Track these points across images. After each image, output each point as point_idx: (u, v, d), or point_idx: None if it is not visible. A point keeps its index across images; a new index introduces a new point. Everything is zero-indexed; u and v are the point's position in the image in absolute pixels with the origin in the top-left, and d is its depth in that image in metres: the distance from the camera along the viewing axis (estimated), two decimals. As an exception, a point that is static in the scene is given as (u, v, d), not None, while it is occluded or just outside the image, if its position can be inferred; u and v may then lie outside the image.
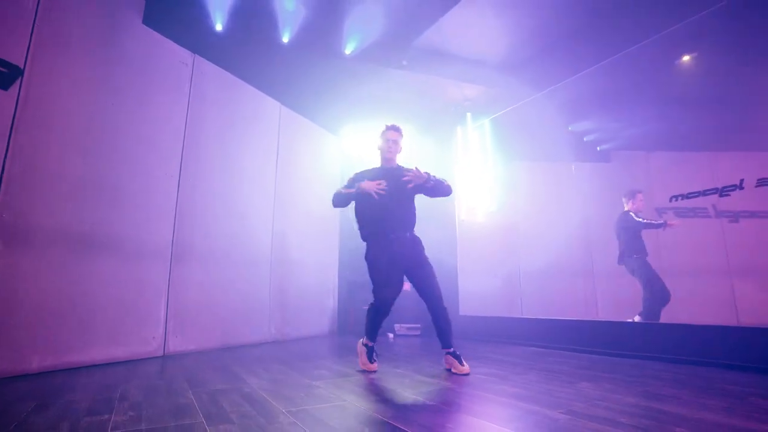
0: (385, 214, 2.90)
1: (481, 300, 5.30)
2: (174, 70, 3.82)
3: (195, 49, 3.98)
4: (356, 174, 3.12)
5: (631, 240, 4.69)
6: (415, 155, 6.21)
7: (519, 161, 6.14)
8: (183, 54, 3.91)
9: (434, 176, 2.95)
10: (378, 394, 2.16)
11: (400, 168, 3.06)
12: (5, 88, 2.68)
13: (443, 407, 1.84)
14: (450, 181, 3.07)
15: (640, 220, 4.67)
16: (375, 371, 2.79)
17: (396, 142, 3.07)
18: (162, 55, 3.72)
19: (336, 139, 6.06)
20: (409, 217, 2.99)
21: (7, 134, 2.66)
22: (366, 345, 2.91)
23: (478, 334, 4.92)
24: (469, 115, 5.34)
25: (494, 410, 1.82)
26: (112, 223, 3.19)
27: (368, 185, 2.91)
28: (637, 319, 4.50)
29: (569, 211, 6.24)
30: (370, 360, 2.85)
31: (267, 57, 4.28)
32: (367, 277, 5.83)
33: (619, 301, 5.65)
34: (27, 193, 2.72)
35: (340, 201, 3.11)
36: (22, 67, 2.76)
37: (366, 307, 5.07)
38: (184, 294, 3.67)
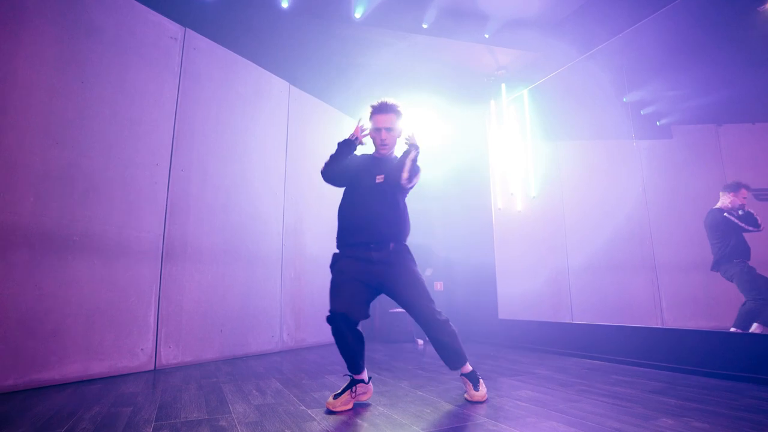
0: (367, 216, 2.12)
1: (523, 302, 4.61)
2: (161, 45, 3.37)
3: (185, 21, 3.53)
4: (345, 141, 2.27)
5: (728, 242, 3.73)
6: (442, 135, 5.57)
7: (563, 140, 5.34)
8: (171, 27, 3.46)
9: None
10: (388, 429, 1.60)
11: (393, 158, 2.28)
12: (-52, 64, 2.30)
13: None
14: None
15: (735, 221, 3.70)
16: (346, 410, 1.98)
17: (391, 130, 2.20)
18: (145, 27, 3.28)
19: (354, 122, 5.49)
20: (396, 223, 2.16)
21: (-48, 118, 2.28)
22: (349, 376, 2.13)
23: (520, 342, 4.25)
24: (503, 86, 4.60)
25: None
26: (89, 220, 2.79)
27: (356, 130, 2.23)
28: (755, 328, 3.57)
29: (624, 197, 5.40)
30: (336, 395, 2.02)
31: (268, 28, 3.77)
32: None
33: (686, 303, 4.82)
34: (-21, 187, 2.34)
35: (327, 171, 2.24)
36: (-31, 41, 2.38)
37: (392, 310, 4.39)
38: (178, 298, 3.24)
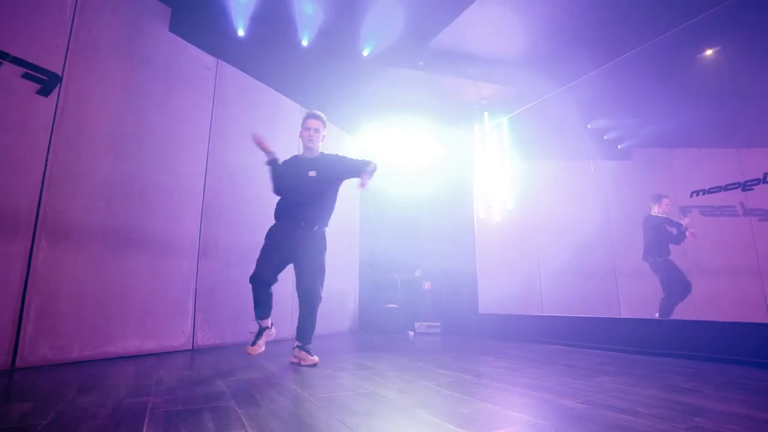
0: (299, 203, 2.91)
1: (501, 299, 5.32)
2: (198, 74, 3.97)
3: (218, 53, 4.13)
4: (282, 162, 3.09)
5: (655, 240, 4.77)
6: (432, 154, 6.28)
7: (537, 160, 6.12)
8: (207, 59, 4.05)
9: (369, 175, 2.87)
10: (399, 383, 2.22)
11: (324, 156, 3.05)
12: (46, 95, 2.85)
13: (464, 396, 1.89)
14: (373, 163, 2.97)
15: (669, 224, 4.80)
16: (256, 354, 2.85)
17: (318, 131, 3.01)
18: (187, 60, 3.88)
19: (352, 138, 6.16)
20: (320, 211, 2.97)
21: (48, 138, 2.83)
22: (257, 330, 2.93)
23: (497, 332, 4.93)
24: (486, 114, 5.36)
25: (512, 399, 1.86)
26: (142, 221, 3.35)
27: (258, 139, 2.97)
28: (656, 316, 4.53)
29: (590, 210, 6.19)
30: (252, 342, 2.87)
31: (287, 60, 4.40)
32: (388, 276, 5.91)
33: (641, 301, 5.59)
34: (65, 192, 2.89)
35: (276, 188, 3.06)
36: (60, 75, 2.94)
37: (389, 305, 5.10)
38: (211, 289, 3.81)
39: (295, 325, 2.97)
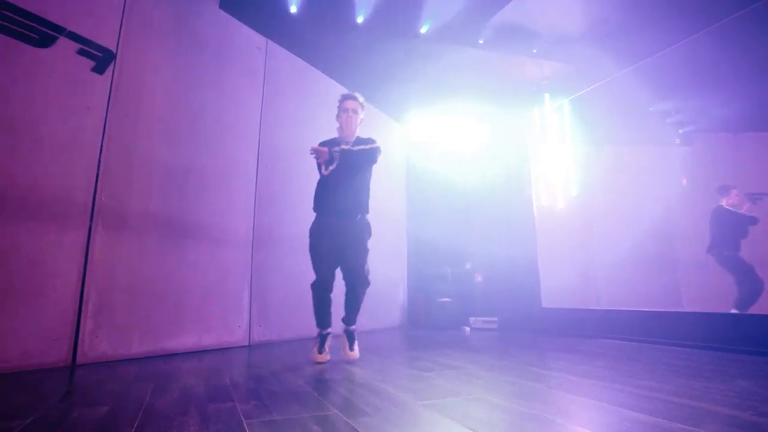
0: (339, 190, 2.68)
1: (564, 292, 4.96)
2: (249, 54, 3.75)
3: (267, 33, 3.90)
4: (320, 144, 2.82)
5: (724, 233, 4.46)
6: (486, 139, 5.94)
7: (600, 145, 5.72)
8: (257, 39, 3.83)
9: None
10: (504, 386, 1.93)
11: (359, 140, 2.81)
12: (101, 72, 2.67)
13: (602, 403, 1.59)
14: (379, 164, 2.87)
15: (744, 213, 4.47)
16: (325, 361, 2.59)
17: (356, 112, 2.80)
18: (237, 39, 3.66)
19: (400, 127, 5.87)
20: (355, 198, 2.73)
21: (103, 118, 2.65)
22: (320, 334, 2.69)
23: (563, 328, 4.58)
24: (547, 95, 4.98)
25: (658, 407, 1.54)
26: (198, 209, 3.15)
27: (317, 150, 2.64)
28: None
29: (650, 199, 5.76)
30: (319, 350, 2.61)
31: (339, 40, 4.14)
32: (438, 269, 5.62)
33: (704, 293, 5.18)
34: (121, 177, 2.71)
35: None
36: (114, 52, 2.75)
37: (443, 299, 4.82)
38: (266, 282, 3.60)
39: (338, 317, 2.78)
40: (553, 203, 5.02)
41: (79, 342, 2.39)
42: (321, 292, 2.68)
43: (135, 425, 1.27)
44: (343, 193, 2.70)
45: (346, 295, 2.79)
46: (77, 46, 2.57)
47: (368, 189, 2.86)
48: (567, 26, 4.15)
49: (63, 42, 2.51)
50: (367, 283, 2.78)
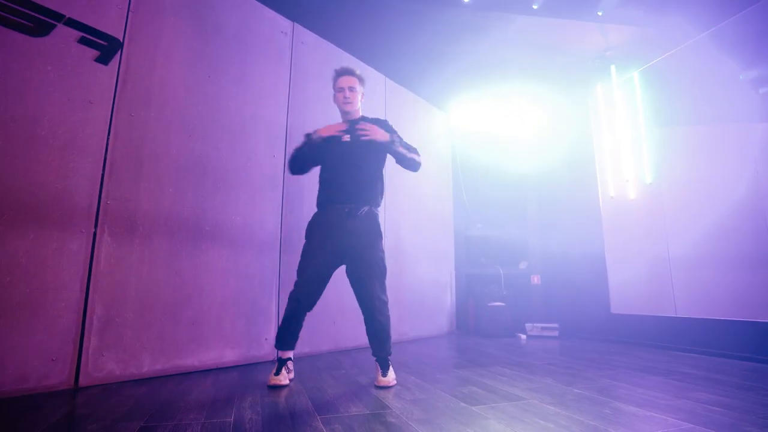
0: (345, 177, 2.33)
1: (633, 296, 4.26)
2: (274, 40, 3.42)
3: (294, 16, 3.56)
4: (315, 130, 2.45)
5: None
6: (540, 124, 5.31)
7: (679, 125, 4.91)
8: (282, 22, 3.50)
9: (399, 148, 2.36)
10: (581, 440, 1.44)
11: (363, 119, 2.48)
12: (105, 62, 2.42)
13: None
14: (423, 156, 2.52)
15: None
16: (284, 385, 2.17)
17: (353, 89, 2.45)
18: (260, 23, 3.35)
19: (444, 115, 5.37)
20: (369, 184, 2.35)
21: (109, 112, 2.40)
22: (278, 358, 2.28)
23: (634, 337, 3.91)
24: (613, 67, 4.28)
25: None
26: (217, 210, 2.86)
27: (327, 129, 2.36)
28: None
29: (739, 186, 4.87)
30: (276, 372, 2.20)
31: (373, 17, 3.72)
32: (489, 269, 5.08)
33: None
34: (129, 177, 2.45)
35: (293, 162, 2.49)
36: (121, 40, 2.50)
37: (495, 303, 4.28)
38: (295, 289, 3.26)
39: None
40: (623, 193, 4.32)
41: (82, 361, 2.14)
42: (296, 306, 2.26)
43: None
44: (348, 184, 2.34)
45: (365, 322, 2.34)
46: (78, 34, 2.33)
47: (381, 178, 2.48)
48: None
49: (62, 30, 2.28)
50: (382, 304, 2.31)
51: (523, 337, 4.47)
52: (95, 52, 2.39)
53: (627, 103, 4.31)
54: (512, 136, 5.36)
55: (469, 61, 4.39)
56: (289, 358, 2.32)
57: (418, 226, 4.61)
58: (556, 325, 4.54)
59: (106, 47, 2.43)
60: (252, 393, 2.05)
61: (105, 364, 2.22)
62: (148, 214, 2.51)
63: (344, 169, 2.35)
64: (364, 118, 2.52)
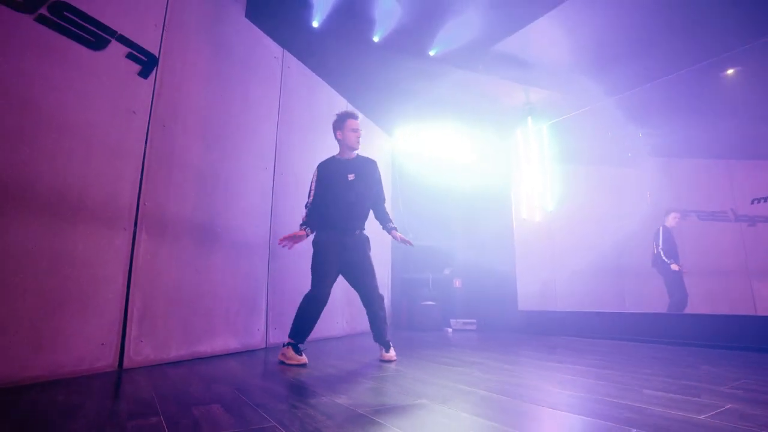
0: (349, 208, 2.84)
1: (538, 296, 5.46)
2: (268, 63, 3.83)
3: (284, 43, 4.00)
4: (319, 167, 2.97)
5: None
6: (471, 153, 6.35)
7: (577, 164, 6.32)
8: (274, 48, 3.92)
9: (391, 220, 3.06)
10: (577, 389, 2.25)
11: (360, 158, 3.00)
12: (145, 76, 2.67)
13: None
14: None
15: (660, 252, 5.16)
16: (305, 363, 2.66)
17: (360, 132, 2.98)
18: (260, 48, 3.74)
19: (388, 137, 6.13)
20: (361, 215, 2.93)
21: (147, 122, 2.66)
22: (295, 345, 2.73)
23: (537, 329, 5.07)
24: (530, 118, 5.49)
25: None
26: (224, 215, 3.20)
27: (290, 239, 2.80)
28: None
29: (612, 214, 6.48)
30: (298, 353, 2.70)
31: (348, 54, 4.32)
32: (419, 274, 5.93)
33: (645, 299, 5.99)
34: (162, 183, 2.72)
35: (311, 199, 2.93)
36: (157, 57, 2.76)
37: (426, 302, 5.08)
38: (281, 287, 3.69)
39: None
40: (532, 216, 5.53)
41: (126, 347, 2.39)
42: (315, 307, 2.73)
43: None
44: (353, 212, 2.88)
45: (369, 316, 2.91)
46: (126, 50, 2.56)
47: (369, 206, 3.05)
48: (557, 58, 4.64)
49: (114, 45, 2.50)
50: (382, 298, 2.94)
51: (450, 330, 5.39)
52: (138, 67, 2.63)
53: (539, 146, 5.54)
54: (445, 162, 6.33)
55: (420, 98, 5.22)
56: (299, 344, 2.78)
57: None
58: (474, 321, 5.55)
59: (146, 62, 2.68)
60: (254, 368, 2.52)
61: (143, 350, 2.48)
62: (175, 216, 2.79)
63: (349, 203, 2.85)
64: (359, 157, 3.01)
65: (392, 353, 2.87)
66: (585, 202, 6.22)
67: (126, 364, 2.38)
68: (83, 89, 2.33)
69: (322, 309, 2.77)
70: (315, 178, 2.93)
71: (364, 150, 3.14)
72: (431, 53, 4.26)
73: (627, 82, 4.75)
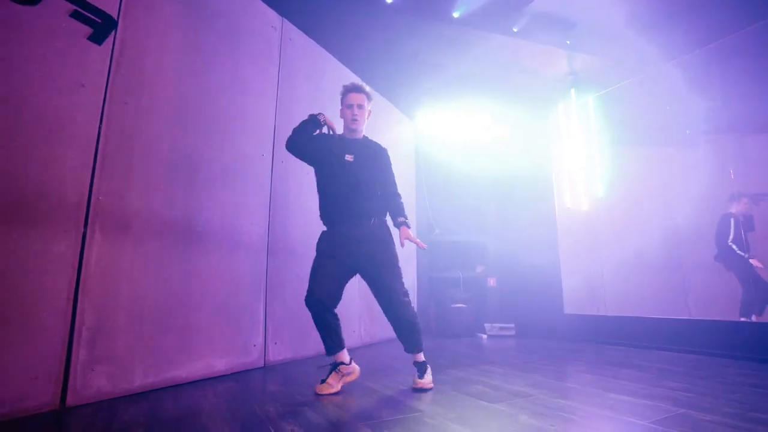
0: (349, 195, 2.31)
1: (583, 298, 4.70)
2: (263, 34, 3.29)
3: (283, 11, 3.45)
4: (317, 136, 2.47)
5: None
6: (504, 135, 5.63)
7: (628, 145, 5.50)
8: (272, 16, 3.37)
9: (404, 215, 2.43)
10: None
11: (366, 141, 2.48)
12: (99, 42, 2.17)
13: None
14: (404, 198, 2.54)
15: (731, 242, 4.30)
16: (336, 393, 2.17)
17: (362, 107, 2.40)
18: (252, 16, 3.20)
19: (410, 121, 5.49)
20: (373, 200, 2.36)
21: (102, 99, 2.16)
22: (332, 362, 2.27)
23: (586, 336, 4.33)
24: (573, 91, 4.71)
25: None
26: (207, 210, 2.68)
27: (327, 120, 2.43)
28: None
29: (680, 202, 5.61)
30: (322, 380, 2.22)
31: (360, 21, 3.72)
32: (449, 273, 5.28)
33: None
34: (121, 171, 2.22)
35: (292, 135, 2.44)
36: (116, 19, 2.26)
37: (457, 305, 4.45)
38: (282, 294, 3.16)
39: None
40: (577, 204, 4.76)
41: (70, 379, 1.90)
42: (317, 309, 2.25)
43: None
44: (354, 198, 2.33)
45: (390, 320, 2.36)
46: (70, 7, 2.07)
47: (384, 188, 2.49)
48: (603, 16, 3.88)
49: (52, 1, 2.01)
50: (406, 304, 2.31)
51: (484, 336, 4.73)
52: (88, 30, 2.13)
53: (584, 123, 4.76)
54: (475, 145, 5.63)
55: (445, 73, 4.56)
56: (341, 362, 2.25)
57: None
58: (512, 325, 4.85)
59: (99, 25, 2.18)
60: (242, 400, 1.97)
61: (94, 380, 1.99)
62: (140, 212, 2.29)
63: (349, 188, 2.32)
64: (366, 139, 2.48)
65: (427, 379, 2.28)
66: (644, 186, 5.36)
67: (70, 400, 1.89)
68: (8, 54, 1.84)
69: (328, 309, 2.25)
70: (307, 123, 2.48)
71: (381, 137, 2.59)
72: (455, 15, 3.58)
73: (682, 43, 3.93)
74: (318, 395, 2.13)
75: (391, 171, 2.49)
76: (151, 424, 1.66)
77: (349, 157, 2.35)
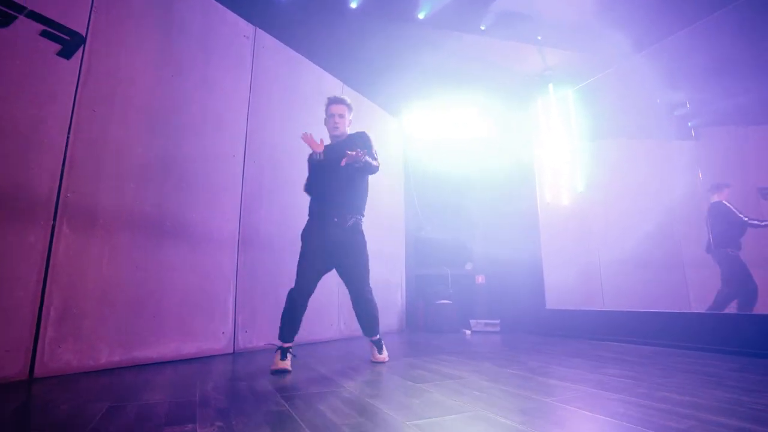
0: (326, 194, 2.64)
1: (566, 292, 4.70)
2: (236, 43, 3.53)
3: (256, 21, 3.68)
4: (309, 155, 2.76)
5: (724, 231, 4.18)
6: (486, 132, 5.71)
7: (607, 138, 5.47)
8: (243, 26, 3.61)
9: (365, 159, 2.52)
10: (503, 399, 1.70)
11: (348, 137, 2.77)
12: (67, 57, 2.44)
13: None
14: (378, 162, 2.69)
15: (748, 221, 4.11)
16: (287, 370, 2.37)
17: (342, 116, 2.75)
18: (223, 26, 3.44)
19: (397, 121, 5.64)
20: (351, 196, 2.67)
21: (70, 108, 2.42)
22: (280, 348, 2.47)
23: (568, 331, 4.34)
24: (551, 85, 4.75)
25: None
26: (179, 207, 2.92)
27: (307, 139, 2.59)
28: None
29: (658, 195, 5.51)
30: (281, 358, 2.42)
31: (331, 26, 3.92)
32: (437, 270, 5.38)
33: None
34: (90, 172, 2.48)
35: (306, 188, 2.81)
36: (84, 35, 2.53)
37: (442, 301, 4.61)
38: (253, 286, 3.37)
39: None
40: (558, 199, 4.78)
41: (38, 352, 2.15)
42: (300, 301, 2.52)
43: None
44: (338, 196, 2.63)
45: (354, 310, 2.72)
46: (40, 27, 2.34)
47: (365, 192, 2.82)
48: (572, 11, 3.93)
49: (23, 22, 2.29)
50: (372, 303, 2.69)
51: (468, 332, 4.80)
52: (57, 46, 2.41)
53: (563, 118, 4.79)
54: (461, 144, 5.72)
55: (422, 71, 4.69)
56: (290, 347, 2.51)
57: (370, 228, 4.80)
58: (497, 321, 4.91)
59: (68, 41, 2.45)
60: (204, 380, 2.16)
61: (62, 355, 2.24)
62: (110, 208, 2.54)
63: (329, 185, 2.62)
64: (349, 137, 2.76)
65: (384, 354, 2.76)
66: (625, 180, 5.32)
67: (38, 371, 2.14)
68: (-17, 71, 2.13)
69: (303, 303, 2.54)
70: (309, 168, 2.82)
71: (374, 135, 2.87)
72: (420, 16, 3.73)
73: (659, 30, 3.92)
74: (274, 372, 2.35)
75: (370, 146, 2.70)
76: (102, 392, 1.88)
77: (320, 157, 2.64)
